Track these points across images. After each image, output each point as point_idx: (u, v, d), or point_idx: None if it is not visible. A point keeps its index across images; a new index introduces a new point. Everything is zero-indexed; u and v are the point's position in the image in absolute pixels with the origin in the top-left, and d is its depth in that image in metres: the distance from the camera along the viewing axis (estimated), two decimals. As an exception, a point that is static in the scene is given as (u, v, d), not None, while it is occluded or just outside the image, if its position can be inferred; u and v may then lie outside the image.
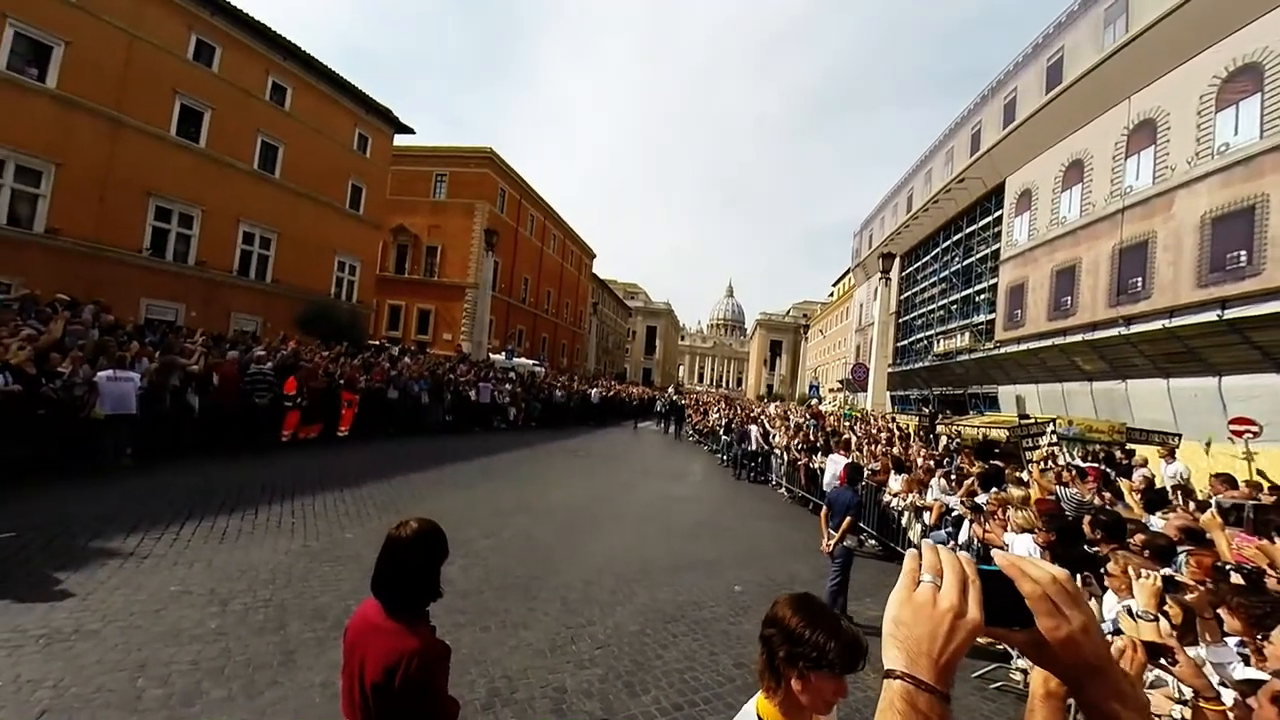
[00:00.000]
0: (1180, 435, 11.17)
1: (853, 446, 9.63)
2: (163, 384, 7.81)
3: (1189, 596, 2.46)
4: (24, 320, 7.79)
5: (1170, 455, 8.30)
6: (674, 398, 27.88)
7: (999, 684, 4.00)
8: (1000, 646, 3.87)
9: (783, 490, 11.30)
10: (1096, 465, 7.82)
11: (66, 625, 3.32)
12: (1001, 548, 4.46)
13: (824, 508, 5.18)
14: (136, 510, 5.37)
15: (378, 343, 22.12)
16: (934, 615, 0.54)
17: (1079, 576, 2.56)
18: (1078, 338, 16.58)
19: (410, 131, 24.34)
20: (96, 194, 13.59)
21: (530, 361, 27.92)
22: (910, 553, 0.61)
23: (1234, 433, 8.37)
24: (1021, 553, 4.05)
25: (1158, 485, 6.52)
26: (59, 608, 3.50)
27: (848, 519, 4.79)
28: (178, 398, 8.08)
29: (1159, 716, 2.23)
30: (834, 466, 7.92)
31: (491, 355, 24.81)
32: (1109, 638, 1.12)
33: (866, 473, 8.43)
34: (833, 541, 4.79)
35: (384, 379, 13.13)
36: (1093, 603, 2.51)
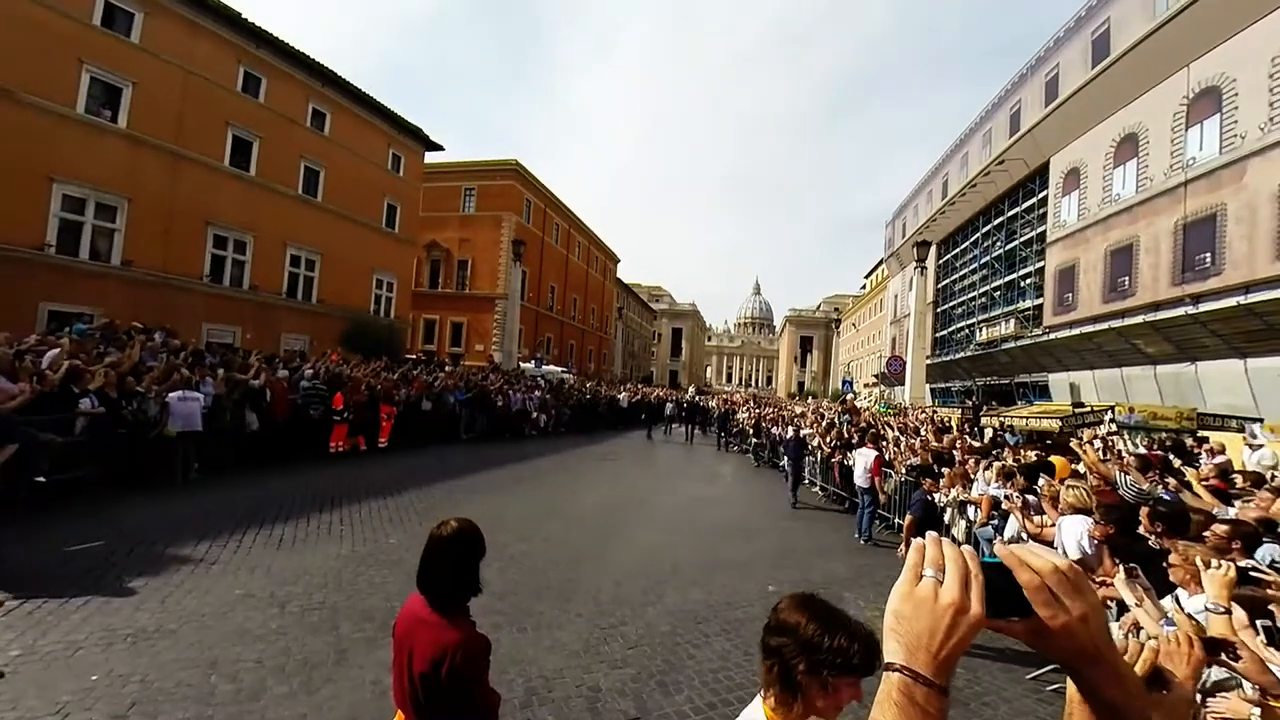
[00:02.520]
0: (1261, 420, 10.27)
1: (887, 441, 9.29)
2: (226, 401, 8.41)
3: (1270, 590, 2.28)
4: (104, 347, 8.58)
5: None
6: (693, 398, 25.17)
7: (1055, 686, 3.80)
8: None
9: (816, 489, 11.05)
10: (1161, 453, 7.25)
11: (149, 625, 3.64)
12: (1050, 544, 4.23)
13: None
14: (204, 520, 5.81)
15: (414, 356, 22.97)
16: (935, 610, 0.54)
17: (1123, 569, 2.41)
18: (1138, 319, 15.52)
19: (440, 149, 25.12)
20: (163, 225, 14.70)
21: (559, 368, 28.35)
22: (915, 544, 0.61)
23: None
24: (1070, 537, 3.84)
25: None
26: (142, 609, 3.84)
27: (909, 518, 4.56)
28: (235, 415, 8.67)
29: None
30: (863, 460, 7.70)
31: (521, 364, 25.36)
32: (1165, 633, 1.06)
33: (904, 467, 8.14)
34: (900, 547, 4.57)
35: (422, 391, 13.65)
36: (1147, 603, 2.35)
